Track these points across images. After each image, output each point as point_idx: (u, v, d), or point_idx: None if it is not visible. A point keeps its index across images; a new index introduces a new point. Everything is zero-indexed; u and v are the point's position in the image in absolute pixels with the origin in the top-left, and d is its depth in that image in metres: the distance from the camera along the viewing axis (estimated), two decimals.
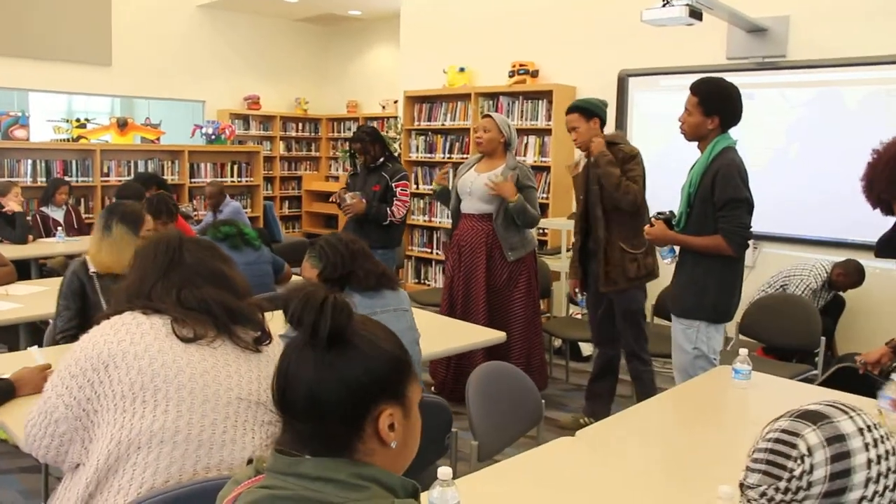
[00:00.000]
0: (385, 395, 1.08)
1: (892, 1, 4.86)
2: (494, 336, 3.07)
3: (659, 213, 3.13)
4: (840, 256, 4.87)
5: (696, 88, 3.01)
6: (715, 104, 2.96)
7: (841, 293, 4.81)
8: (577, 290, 3.95)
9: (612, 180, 3.55)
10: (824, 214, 5.12)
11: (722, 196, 2.86)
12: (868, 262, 4.74)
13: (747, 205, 2.88)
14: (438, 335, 2.98)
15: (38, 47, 8.98)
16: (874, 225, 4.84)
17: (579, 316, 5.32)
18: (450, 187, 4.49)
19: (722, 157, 2.91)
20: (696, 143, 3.07)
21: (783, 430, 1.11)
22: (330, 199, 4.86)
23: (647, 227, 3.12)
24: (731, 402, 2.45)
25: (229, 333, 1.72)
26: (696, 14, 4.45)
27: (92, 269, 2.98)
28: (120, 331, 1.65)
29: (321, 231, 11.83)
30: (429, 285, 7.27)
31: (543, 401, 2.55)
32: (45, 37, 9.00)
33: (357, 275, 2.49)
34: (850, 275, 4.66)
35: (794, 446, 1.08)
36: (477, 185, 4.20)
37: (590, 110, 3.70)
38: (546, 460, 1.90)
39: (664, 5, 4.40)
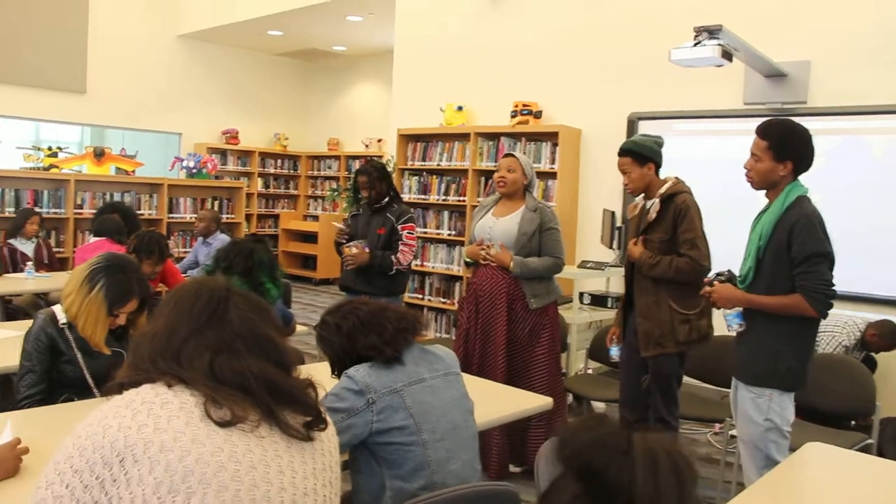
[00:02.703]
0: None
1: None
2: (544, 403, 2.68)
3: (718, 274, 2.83)
4: (869, 312, 4.63)
5: (765, 131, 2.72)
6: (788, 148, 2.67)
7: (873, 354, 4.55)
8: (615, 337, 3.61)
9: (668, 276, 3.24)
10: (852, 267, 4.85)
11: (801, 250, 2.56)
12: None
13: (829, 260, 2.58)
14: (478, 401, 2.55)
15: (6, 71, 8.54)
16: None
17: (591, 371, 4.99)
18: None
19: (798, 207, 2.62)
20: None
21: None
22: (335, 239, 4.52)
23: (708, 288, 2.80)
24: (837, 486, 2.10)
25: (276, 419, 1.33)
26: (727, 55, 4.23)
27: (62, 319, 2.52)
28: (140, 412, 1.25)
29: (298, 272, 11.38)
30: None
31: None
32: (16, 60, 8.58)
33: (367, 357, 2.05)
34: (885, 336, 4.39)
35: None
36: (496, 230, 3.88)
37: (643, 154, 3.38)
38: None
39: (695, 45, 4.17)
